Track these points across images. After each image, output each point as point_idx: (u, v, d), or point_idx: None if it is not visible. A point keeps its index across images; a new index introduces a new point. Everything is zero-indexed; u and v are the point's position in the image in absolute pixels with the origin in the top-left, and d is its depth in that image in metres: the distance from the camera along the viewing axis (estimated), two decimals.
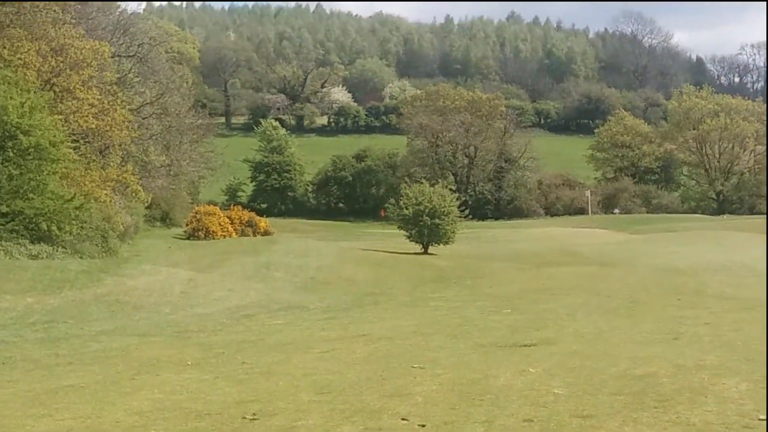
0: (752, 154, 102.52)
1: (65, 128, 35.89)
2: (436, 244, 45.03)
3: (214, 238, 47.32)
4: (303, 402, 9.65)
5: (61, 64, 39.61)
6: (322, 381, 11.26)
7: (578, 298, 24.14)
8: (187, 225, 50.93)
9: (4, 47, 35.39)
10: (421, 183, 49.04)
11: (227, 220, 51.21)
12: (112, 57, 45.69)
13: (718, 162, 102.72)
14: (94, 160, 41.09)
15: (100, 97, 41.77)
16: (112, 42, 47.66)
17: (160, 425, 8.56)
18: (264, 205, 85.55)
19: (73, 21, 43.01)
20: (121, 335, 18.71)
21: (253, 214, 57.58)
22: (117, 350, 16.09)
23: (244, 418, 8.84)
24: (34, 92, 34.22)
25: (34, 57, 36.98)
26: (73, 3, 43.30)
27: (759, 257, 40.10)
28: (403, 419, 8.54)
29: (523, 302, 23.77)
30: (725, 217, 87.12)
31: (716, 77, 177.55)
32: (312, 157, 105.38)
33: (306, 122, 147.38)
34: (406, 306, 24.94)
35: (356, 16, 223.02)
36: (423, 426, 8.23)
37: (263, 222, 55.85)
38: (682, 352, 12.84)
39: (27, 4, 36.71)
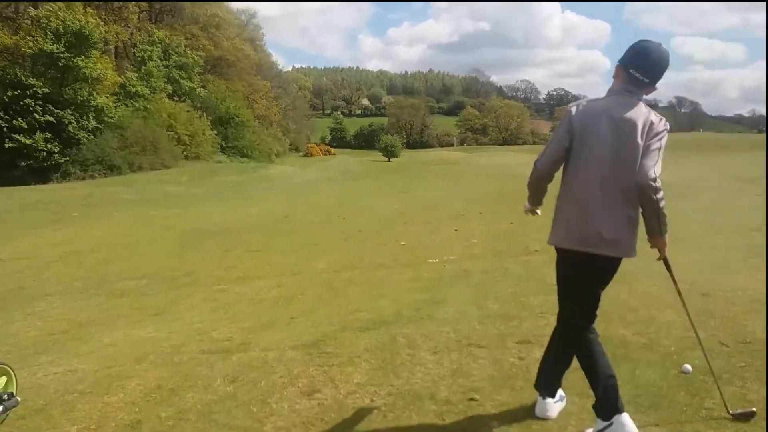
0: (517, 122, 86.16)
1: (253, 114, 36.69)
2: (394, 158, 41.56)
3: (313, 156, 47.49)
4: (445, 240, 6.90)
5: (253, 93, 40.40)
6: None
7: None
8: (304, 152, 50.67)
9: (230, 88, 36.17)
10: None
11: (318, 149, 51.50)
12: (273, 87, 46.28)
13: (504, 125, 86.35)
14: (264, 127, 41.35)
15: (267, 103, 42.84)
16: (273, 82, 47.32)
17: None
18: (334, 144, 77.23)
19: (258, 76, 42.84)
20: (269, 190, 18.27)
21: (328, 147, 57.78)
22: (272, 195, 15.67)
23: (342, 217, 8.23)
24: (241, 101, 35.24)
25: (242, 90, 37.84)
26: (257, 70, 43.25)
27: (513, 159, 32.32)
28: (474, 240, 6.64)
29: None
30: (505, 147, 68.27)
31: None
32: (351, 127, 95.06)
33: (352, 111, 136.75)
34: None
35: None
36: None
37: (333, 151, 55.62)
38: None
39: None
